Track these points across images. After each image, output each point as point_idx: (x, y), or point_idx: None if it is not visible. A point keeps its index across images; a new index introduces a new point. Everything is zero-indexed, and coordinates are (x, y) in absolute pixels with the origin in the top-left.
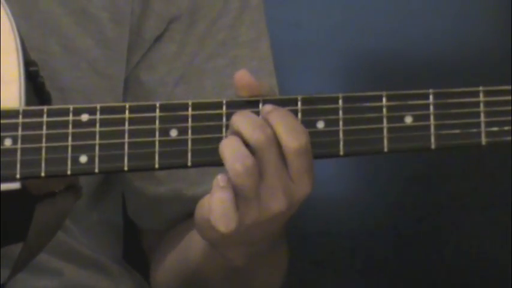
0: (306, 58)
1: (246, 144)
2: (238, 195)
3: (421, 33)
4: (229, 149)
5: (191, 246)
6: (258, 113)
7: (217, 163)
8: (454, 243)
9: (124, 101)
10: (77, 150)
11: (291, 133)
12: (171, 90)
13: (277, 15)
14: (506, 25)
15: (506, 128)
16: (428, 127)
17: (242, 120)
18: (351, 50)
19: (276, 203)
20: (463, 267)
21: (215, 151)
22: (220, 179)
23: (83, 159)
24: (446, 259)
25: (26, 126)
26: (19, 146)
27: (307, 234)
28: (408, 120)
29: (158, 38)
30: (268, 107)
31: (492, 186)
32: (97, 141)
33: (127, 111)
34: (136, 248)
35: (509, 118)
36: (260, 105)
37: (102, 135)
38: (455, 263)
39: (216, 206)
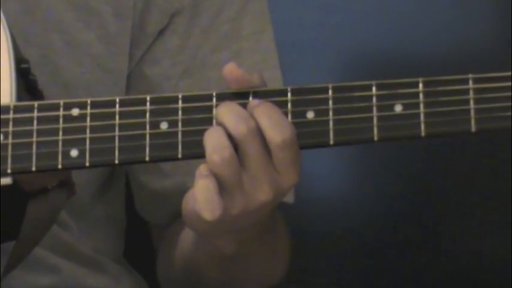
0: (304, 57)
1: (230, 135)
2: (221, 185)
3: (420, 33)
4: (210, 140)
5: (184, 238)
6: (247, 105)
7: None
8: (453, 243)
9: (128, 95)
10: (68, 144)
11: (275, 127)
12: (175, 84)
13: (275, 14)
14: (506, 25)
15: (495, 114)
16: (418, 115)
17: (226, 112)
18: (350, 49)
19: (261, 193)
20: (463, 267)
21: None
22: (202, 168)
23: (74, 153)
24: (445, 259)
25: (17, 122)
26: (10, 141)
27: (304, 233)
28: (398, 108)
29: (161, 32)
30: (254, 102)
31: (492, 185)
32: (88, 135)
33: (117, 105)
34: (136, 246)
35: (499, 105)
36: (250, 97)
37: (93, 129)
38: (454, 262)
39: (200, 193)
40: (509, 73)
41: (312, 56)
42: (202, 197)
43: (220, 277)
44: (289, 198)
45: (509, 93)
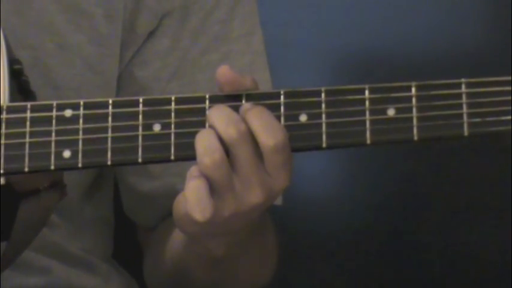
0: (293, 57)
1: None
2: (212, 187)
3: (412, 32)
4: (201, 142)
5: (174, 239)
6: (240, 107)
7: None
8: (451, 243)
9: (118, 97)
10: (61, 145)
11: (267, 130)
12: (165, 86)
13: (264, 14)
14: (505, 26)
15: (488, 119)
16: (411, 119)
17: (217, 115)
18: (340, 50)
19: (252, 196)
20: (461, 267)
21: None
22: (193, 170)
23: (67, 154)
24: (442, 259)
25: (9, 122)
26: (3, 141)
27: (293, 233)
28: (391, 112)
29: (151, 34)
30: (246, 106)
31: (492, 185)
32: (80, 137)
33: (110, 107)
34: (125, 246)
35: (492, 109)
36: (243, 100)
37: (86, 130)
38: (453, 262)
39: (191, 194)
40: (502, 78)
41: (302, 56)
42: (193, 198)
43: (209, 278)
44: (278, 200)
45: (502, 98)
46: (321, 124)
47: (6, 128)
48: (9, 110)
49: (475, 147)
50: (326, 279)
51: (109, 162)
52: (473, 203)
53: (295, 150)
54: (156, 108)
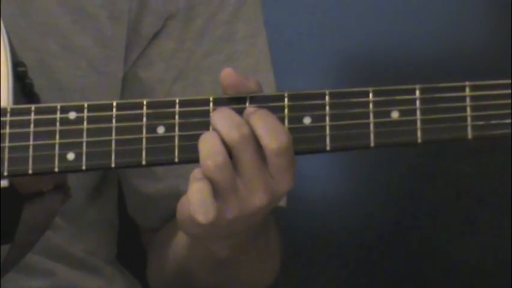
0: (297, 58)
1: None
2: (215, 189)
3: (413, 33)
4: (204, 145)
5: (178, 241)
6: (243, 110)
7: None
8: (452, 243)
9: (122, 99)
10: (65, 147)
11: (270, 133)
12: (169, 87)
13: (268, 15)
14: (506, 26)
15: (492, 122)
16: (414, 122)
17: (220, 118)
18: (344, 51)
19: (256, 198)
20: (462, 266)
21: None
22: (196, 172)
23: (71, 156)
24: (443, 260)
25: (13, 125)
26: (7, 144)
27: (297, 233)
28: (395, 115)
29: (156, 35)
30: (250, 109)
31: (492, 184)
32: (84, 139)
33: (114, 109)
34: (129, 248)
35: (495, 112)
36: (247, 102)
37: (90, 132)
38: (453, 263)
39: (194, 196)
40: (506, 81)
41: (306, 58)
42: (196, 200)
43: (213, 280)
44: (282, 201)
45: (506, 101)
46: (324, 127)
47: (10, 130)
48: (13, 112)
49: (475, 147)
50: (327, 279)
51: (113, 165)
52: (473, 203)
53: (298, 153)
54: (160, 111)
